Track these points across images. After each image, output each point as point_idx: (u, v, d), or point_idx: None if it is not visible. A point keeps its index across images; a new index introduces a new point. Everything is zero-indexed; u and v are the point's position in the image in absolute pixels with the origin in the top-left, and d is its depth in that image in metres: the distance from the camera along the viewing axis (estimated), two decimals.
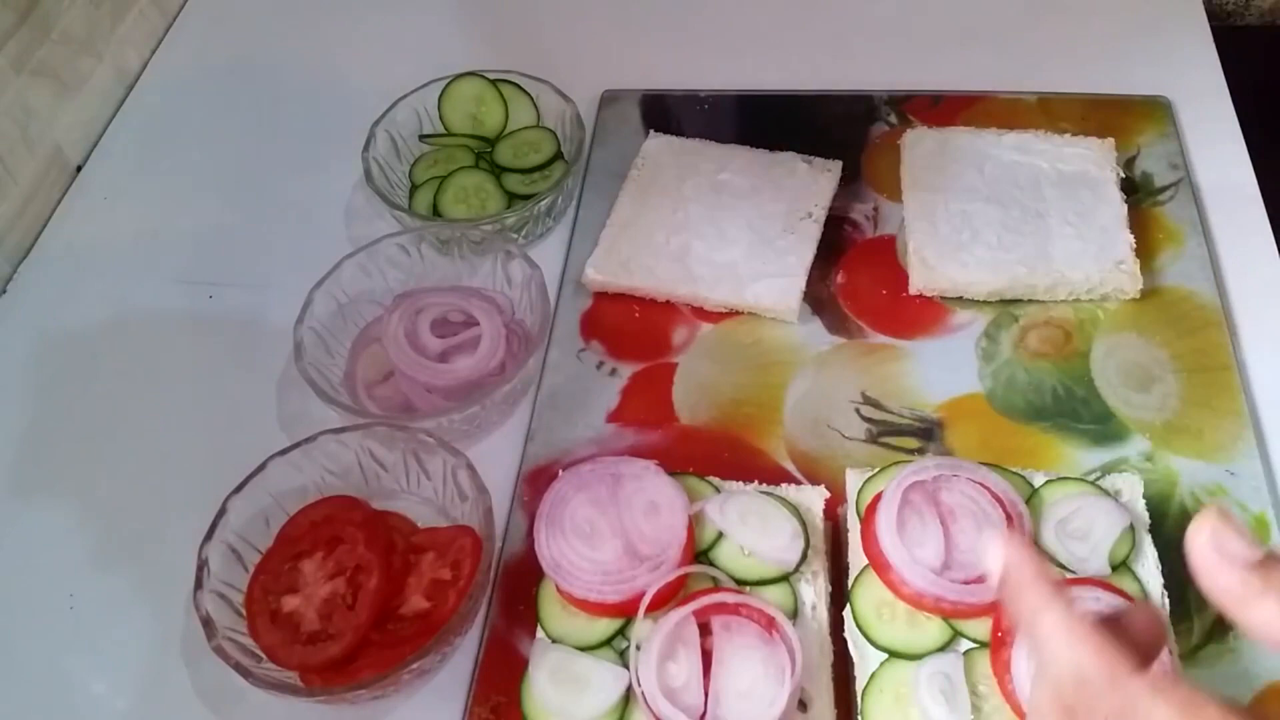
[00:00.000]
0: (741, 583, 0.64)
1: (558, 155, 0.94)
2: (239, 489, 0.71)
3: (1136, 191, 0.89)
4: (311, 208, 0.96)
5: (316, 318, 0.81)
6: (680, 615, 0.61)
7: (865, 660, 0.62)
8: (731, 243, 0.87)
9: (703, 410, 0.80)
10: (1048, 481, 0.67)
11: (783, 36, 1.07)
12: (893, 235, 0.89)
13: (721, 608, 0.61)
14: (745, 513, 0.66)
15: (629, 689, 0.60)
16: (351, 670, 0.67)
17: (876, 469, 0.68)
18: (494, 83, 0.96)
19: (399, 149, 0.95)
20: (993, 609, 0.61)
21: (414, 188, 0.94)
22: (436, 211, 0.91)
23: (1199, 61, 1.00)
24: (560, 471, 0.68)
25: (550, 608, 0.65)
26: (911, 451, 0.77)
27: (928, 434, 0.77)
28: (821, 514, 0.68)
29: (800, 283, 0.84)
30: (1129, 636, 0.41)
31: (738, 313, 0.85)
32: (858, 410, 0.79)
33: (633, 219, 0.90)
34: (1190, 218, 0.87)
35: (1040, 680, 0.42)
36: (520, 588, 0.71)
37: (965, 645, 0.61)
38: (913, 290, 0.84)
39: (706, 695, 0.59)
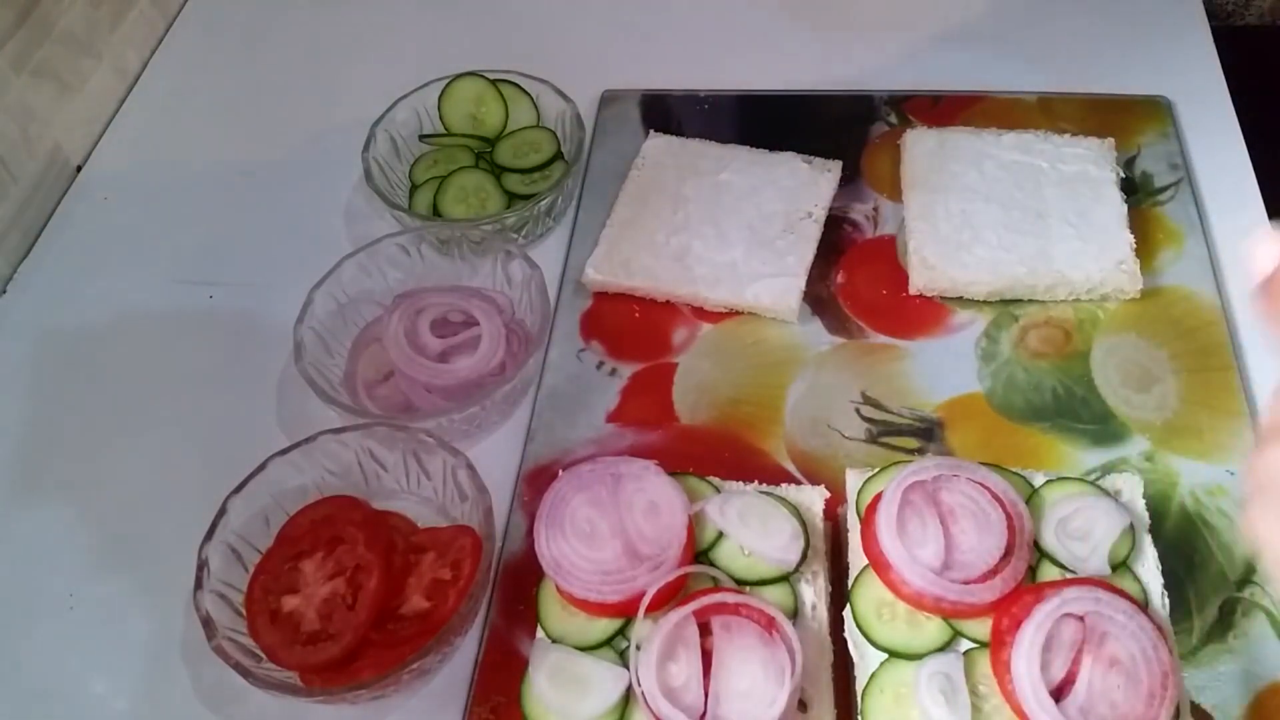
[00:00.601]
0: (741, 583, 0.64)
1: (558, 155, 0.94)
2: (239, 489, 0.71)
3: (1136, 191, 0.89)
4: (311, 208, 0.96)
5: (316, 318, 0.81)
6: (680, 615, 0.61)
7: (865, 660, 0.62)
8: (731, 243, 0.87)
9: (703, 410, 0.80)
10: (1048, 481, 0.67)
11: (783, 36, 1.07)
12: (893, 235, 0.89)
13: (721, 608, 0.61)
14: (745, 513, 0.66)
15: (629, 689, 0.60)
16: (351, 670, 0.67)
17: (876, 469, 0.68)
18: (494, 83, 0.96)
19: (399, 149, 0.95)
20: (993, 609, 0.61)
21: (414, 188, 0.94)
22: (436, 211, 0.91)
23: (1199, 61, 1.00)
24: (560, 471, 0.68)
25: (550, 608, 0.65)
26: (911, 451, 0.77)
27: (928, 434, 0.77)
28: (821, 514, 0.68)
29: (800, 283, 0.84)
30: None
31: (738, 313, 0.85)
32: (858, 410, 0.79)
33: (633, 219, 0.90)
34: (1190, 218, 0.87)
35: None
36: (520, 588, 0.71)
37: (965, 645, 0.61)
38: (913, 290, 0.84)
39: (706, 695, 0.59)
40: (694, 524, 0.65)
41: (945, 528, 0.62)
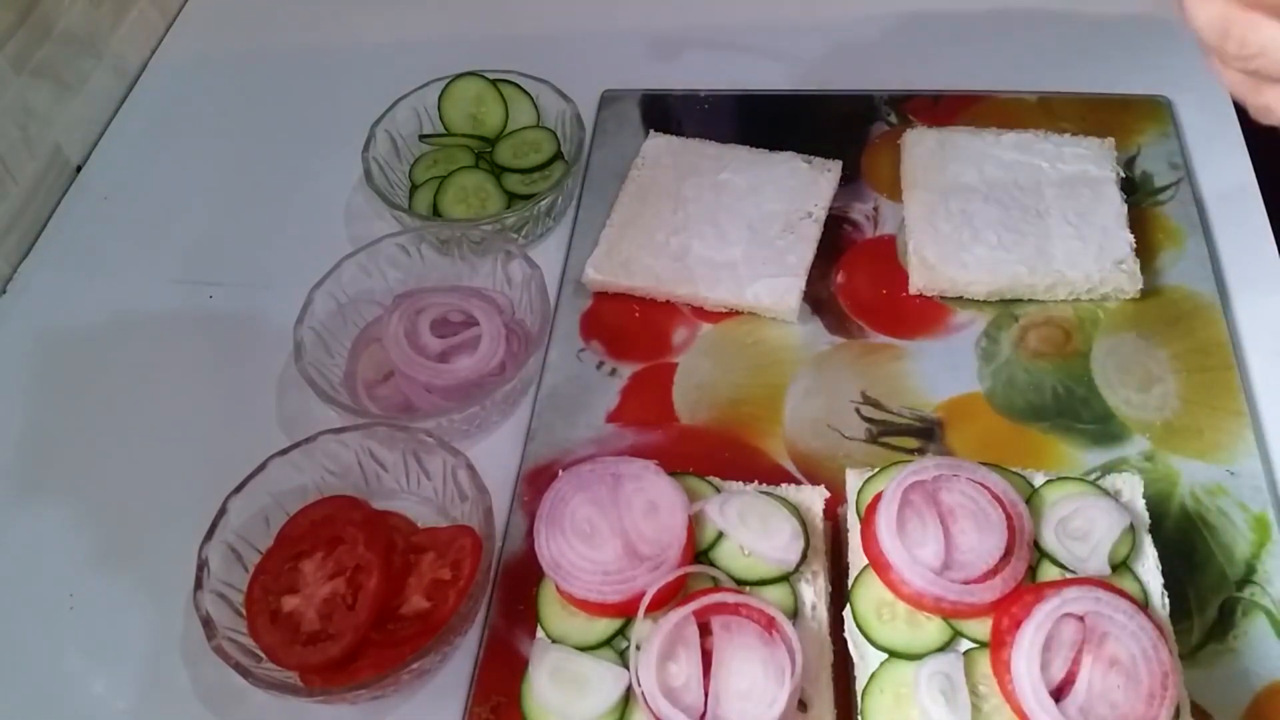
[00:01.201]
0: (741, 583, 0.64)
1: (558, 155, 0.94)
2: (239, 489, 0.71)
3: (1136, 191, 0.89)
4: (311, 208, 0.96)
5: (316, 318, 0.81)
6: (680, 615, 0.61)
7: (865, 660, 0.62)
8: (731, 243, 0.87)
9: (703, 410, 0.80)
10: (1048, 481, 0.67)
11: (783, 36, 1.07)
12: (893, 235, 0.89)
13: (721, 608, 0.61)
14: (745, 513, 0.66)
15: (629, 689, 0.60)
16: (351, 670, 0.67)
17: (876, 469, 0.68)
18: (494, 83, 0.96)
19: (399, 149, 0.95)
20: (993, 609, 0.61)
21: (414, 188, 0.94)
22: (436, 211, 0.91)
23: (1199, 61, 1.00)
24: (560, 471, 0.68)
25: (550, 608, 0.65)
26: (911, 451, 0.77)
27: (928, 434, 0.77)
28: (821, 514, 0.68)
29: (800, 282, 0.84)
30: None
31: (738, 313, 0.85)
32: (858, 410, 0.79)
33: (633, 219, 0.90)
34: (1190, 218, 0.87)
35: None
36: (520, 588, 0.71)
37: (965, 645, 0.61)
38: (913, 290, 0.84)
39: (706, 695, 0.59)
40: (694, 524, 0.65)
41: (945, 528, 0.62)
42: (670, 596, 0.63)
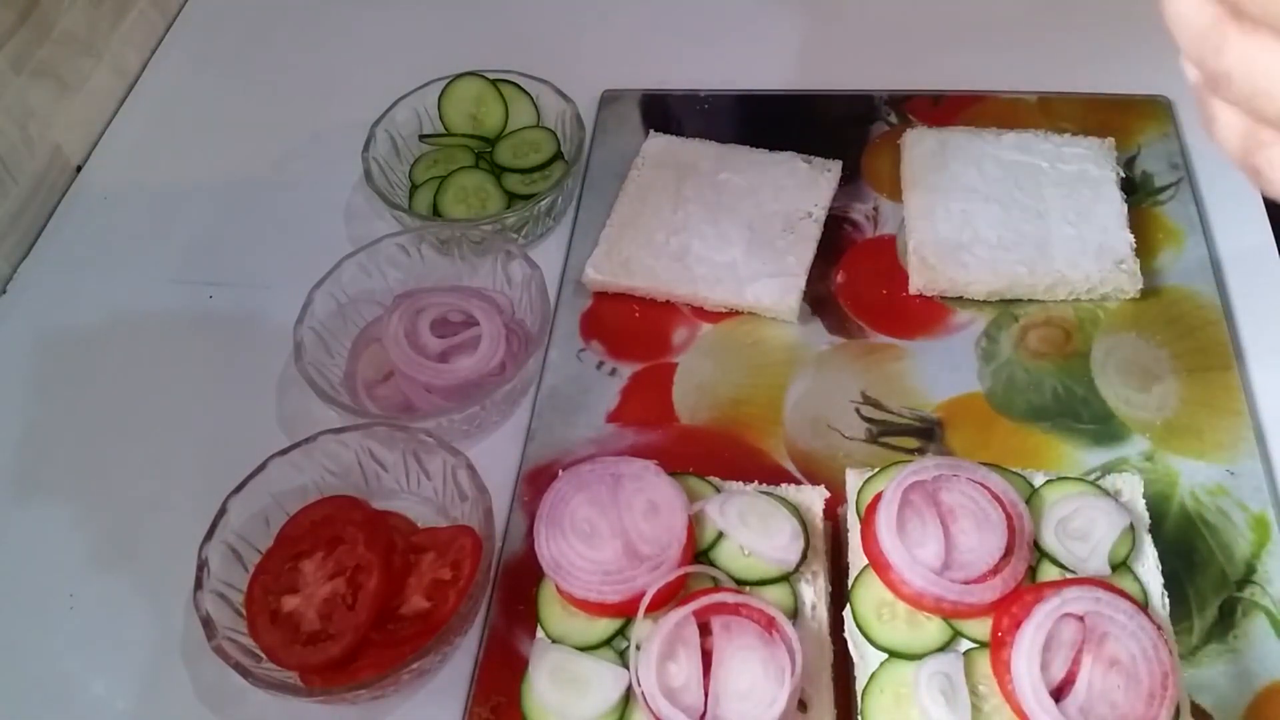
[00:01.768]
0: (741, 583, 0.64)
1: (558, 155, 0.94)
2: (239, 489, 0.71)
3: (1136, 191, 0.89)
4: (311, 208, 0.96)
5: (316, 318, 0.81)
6: (680, 615, 0.61)
7: (865, 660, 0.62)
8: (731, 243, 0.87)
9: (703, 410, 0.80)
10: (1048, 481, 0.67)
11: (783, 36, 1.07)
12: (893, 235, 0.89)
13: (721, 608, 0.61)
14: (745, 513, 0.66)
15: (629, 689, 0.60)
16: (351, 670, 0.67)
17: (876, 469, 0.68)
18: (494, 83, 0.96)
19: (399, 149, 0.95)
20: (993, 609, 0.61)
21: (414, 188, 0.94)
22: (436, 211, 0.91)
23: None
24: (560, 471, 0.68)
25: (550, 608, 0.65)
26: (911, 451, 0.77)
27: (928, 434, 0.77)
28: (821, 514, 0.68)
29: (800, 283, 0.84)
30: None
31: (737, 313, 0.85)
32: (858, 410, 0.79)
33: (633, 219, 0.90)
34: (1190, 217, 0.87)
35: None
36: (520, 588, 0.71)
37: (965, 645, 0.61)
38: (913, 290, 0.84)
39: (706, 695, 0.59)
40: (694, 524, 0.65)
41: (945, 528, 0.62)
42: (670, 596, 0.63)
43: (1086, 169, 0.89)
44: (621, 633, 0.63)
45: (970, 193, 0.88)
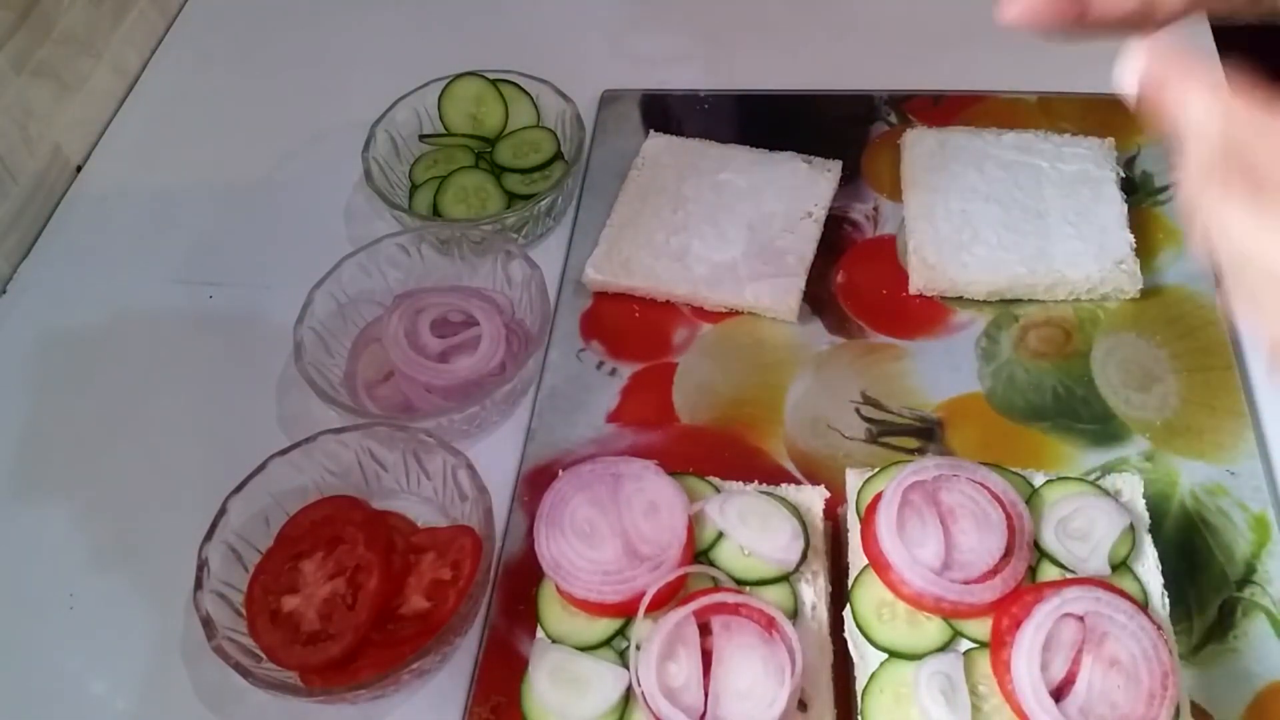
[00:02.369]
0: (741, 583, 0.64)
1: (558, 155, 0.94)
2: (239, 489, 0.71)
3: (1136, 191, 0.89)
4: (311, 208, 0.96)
5: (316, 318, 0.81)
6: (680, 615, 0.61)
7: (865, 660, 0.62)
8: (731, 242, 0.87)
9: (703, 410, 0.80)
10: (1048, 481, 0.67)
11: (783, 36, 1.07)
12: (893, 235, 0.89)
13: (721, 608, 0.61)
14: (745, 513, 0.66)
15: (629, 689, 0.60)
16: (351, 670, 0.67)
17: (876, 469, 0.68)
18: (494, 83, 0.96)
19: (399, 149, 0.95)
20: (993, 609, 0.61)
21: (414, 188, 0.94)
22: (436, 211, 0.91)
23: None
24: (560, 471, 0.68)
25: (550, 608, 0.65)
26: (911, 451, 0.77)
27: (928, 434, 0.77)
28: (821, 514, 0.68)
29: (800, 282, 0.84)
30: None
31: (738, 313, 0.85)
32: (858, 410, 0.79)
33: (633, 219, 0.90)
34: None
35: (1189, 157, 0.41)
36: (520, 588, 0.71)
37: (965, 645, 0.61)
38: (913, 290, 0.84)
39: (706, 695, 0.59)
40: (694, 524, 0.65)
41: (945, 528, 0.62)
42: (670, 596, 0.63)
43: (1086, 169, 0.89)
44: (621, 633, 0.63)
45: (970, 193, 0.88)
